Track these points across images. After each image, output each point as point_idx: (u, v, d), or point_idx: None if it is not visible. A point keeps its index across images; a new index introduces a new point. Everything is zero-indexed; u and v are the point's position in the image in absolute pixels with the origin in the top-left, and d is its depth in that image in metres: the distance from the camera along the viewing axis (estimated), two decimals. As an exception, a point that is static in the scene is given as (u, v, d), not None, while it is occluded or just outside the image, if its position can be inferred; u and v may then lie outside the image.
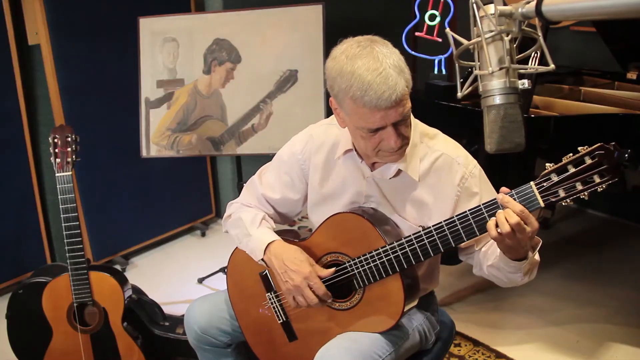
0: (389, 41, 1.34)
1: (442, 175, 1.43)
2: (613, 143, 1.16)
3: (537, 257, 1.37)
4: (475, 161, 1.45)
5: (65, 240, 1.93)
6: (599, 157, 1.16)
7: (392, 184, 1.46)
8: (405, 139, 1.35)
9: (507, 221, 1.19)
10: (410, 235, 1.35)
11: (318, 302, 1.45)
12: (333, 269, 1.46)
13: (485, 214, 1.26)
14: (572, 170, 1.18)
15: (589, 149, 1.17)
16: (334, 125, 1.51)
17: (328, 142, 1.53)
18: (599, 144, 1.16)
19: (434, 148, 1.44)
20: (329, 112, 2.52)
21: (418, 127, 1.46)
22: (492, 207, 1.26)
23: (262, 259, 1.51)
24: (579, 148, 1.19)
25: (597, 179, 1.16)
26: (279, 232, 1.58)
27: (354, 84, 1.26)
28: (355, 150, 1.46)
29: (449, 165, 1.43)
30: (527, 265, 1.33)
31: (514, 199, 1.22)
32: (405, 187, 1.45)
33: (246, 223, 1.55)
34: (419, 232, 1.34)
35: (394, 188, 1.47)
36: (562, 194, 1.19)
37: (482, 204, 1.27)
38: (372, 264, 1.40)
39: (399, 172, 1.43)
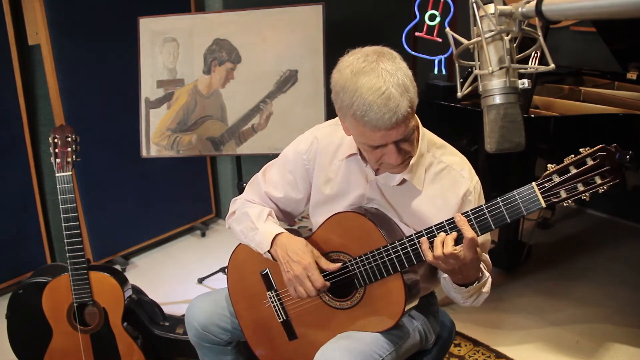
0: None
1: (446, 187, 1.43)
2: (615, 144, 1.16)
3: (484, 289, 1.41)
4: (477, 177, 1.46)
5: (65, 240, 1.93)
6: (600, 159, 1.16)
7: (395, 191, 1.46)
8: (407, 154, 1.35)
9: (442, 247, 1.26)
10: (411, 235, 1.35)
11: (316, 293, 1.45)
12: (339, 264, 1.46)
13: (487, 215, 1.26)
14: (573, 171, 1.18)
15: (591, 150, 1.17)
16: (340, 126, 1.51)
17: (334, 143, 1.53)
18: (601, 145, 1.17)
19: (440, 159, 1.45)
20: (329, 112, 2.53)
21: (426, 136, 1.46)
22: (496, 207, 1.25)
23: (269, 252, 1.51)
24: (581, 149, 1.19)
25: (598, 180, 1.17)
26: None
27: (356, 102, 1.25)
28: (360, 154, 1.46)
29: (454, 178, 1.43)
30: (469, 293, 1.38)
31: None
32: (408, 196, 1.45)
33: (253, 217, 1.55)
34: (421, 231, 1.34)
35: (397, 195, 1.47)
36: (563, 194, 1.19)
37: (484, 205, 1.27)
38: (373, 263, 1.40)
39: (403, 181, 1.43)
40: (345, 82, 1.27)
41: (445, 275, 1.41)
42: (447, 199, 1.42)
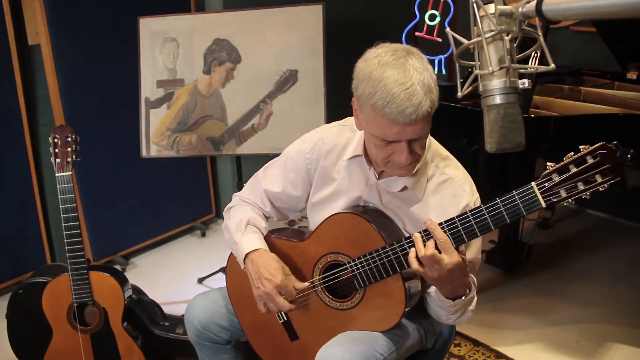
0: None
1: (446, 199, 1.42)
2: (615, 142, 1.15)
3: (470, 307, 1.42)
4: (477, 194, 1.45)
5: (65, 240, 1.93)
6: (600, 157, 1.15)
7: (395, 197, 1.46)
8: (416, 156, 1.35)
9: (424, 251, 1.27)
10: (410, 235, 1.35)
11: (289, 308, 1.48)
12: (307, 284, 1.50)
13: (487, 215, 1.26)
14: (573, 170, 1.17)
15: (591, 148, 1.16)
16: (347, 127, 1.51)
17: (339, 144, 1.52)
18: (601, 143, 1.15)
19: (443, 170, 1.44)
20: (329, 112, 2.53)
21: (432, 145, 1.46)
22: (495, 207, 1.25)
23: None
24: (581, 147, 1.18)
25: (599, 179, 1.15)
26: (282, 232, 1.59)
27: (379, 92, 1.23)
28: (365, 156, 1.45)
29: (455, 191, 1.42)
30: (454, 307, 1.38)
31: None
32: (407, 203, 1.45)
33: (232, 230, 1.58)
34: (420, 232, 1.33)
35: (396, 201, 1.46)
36: (563, 194, 1.18)
37: (484, 205, 1.26)
38: (372, 265, 1.40)
39: (404, 188, 1.43)
40: (372, 71, 1.26)
41: (431, 290, 1.42)
42: (446, 211, 1.40)
